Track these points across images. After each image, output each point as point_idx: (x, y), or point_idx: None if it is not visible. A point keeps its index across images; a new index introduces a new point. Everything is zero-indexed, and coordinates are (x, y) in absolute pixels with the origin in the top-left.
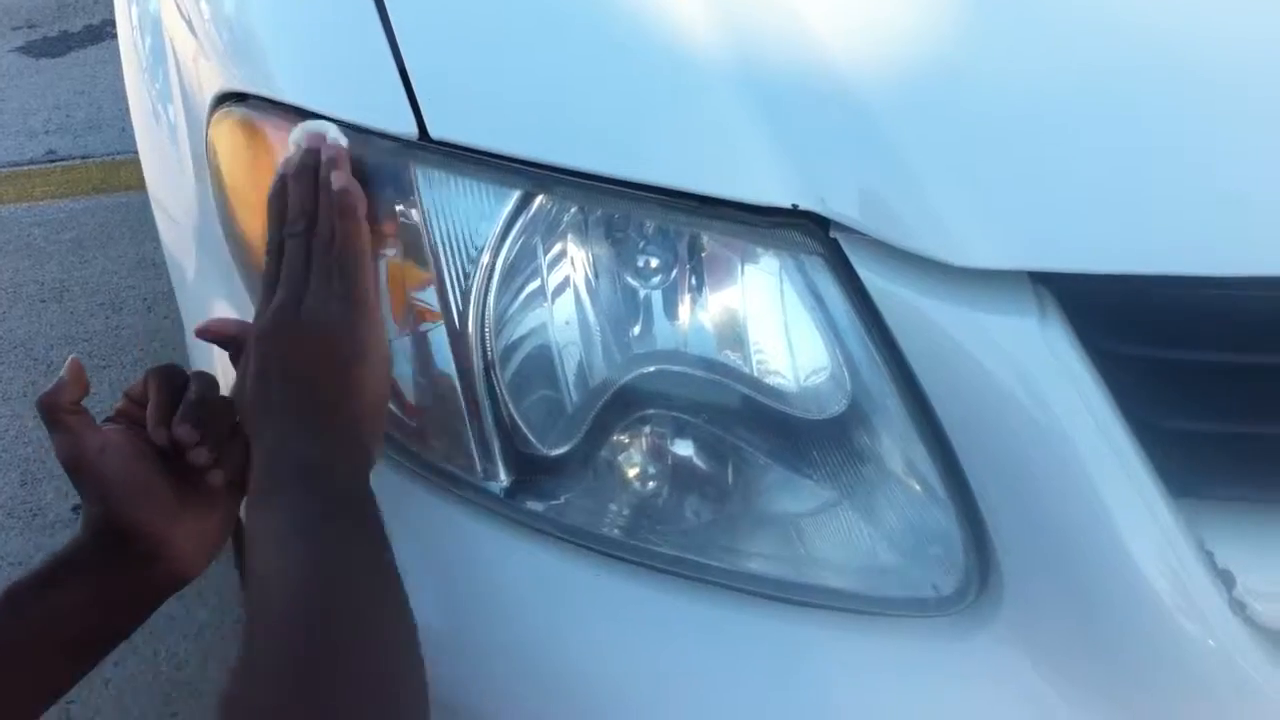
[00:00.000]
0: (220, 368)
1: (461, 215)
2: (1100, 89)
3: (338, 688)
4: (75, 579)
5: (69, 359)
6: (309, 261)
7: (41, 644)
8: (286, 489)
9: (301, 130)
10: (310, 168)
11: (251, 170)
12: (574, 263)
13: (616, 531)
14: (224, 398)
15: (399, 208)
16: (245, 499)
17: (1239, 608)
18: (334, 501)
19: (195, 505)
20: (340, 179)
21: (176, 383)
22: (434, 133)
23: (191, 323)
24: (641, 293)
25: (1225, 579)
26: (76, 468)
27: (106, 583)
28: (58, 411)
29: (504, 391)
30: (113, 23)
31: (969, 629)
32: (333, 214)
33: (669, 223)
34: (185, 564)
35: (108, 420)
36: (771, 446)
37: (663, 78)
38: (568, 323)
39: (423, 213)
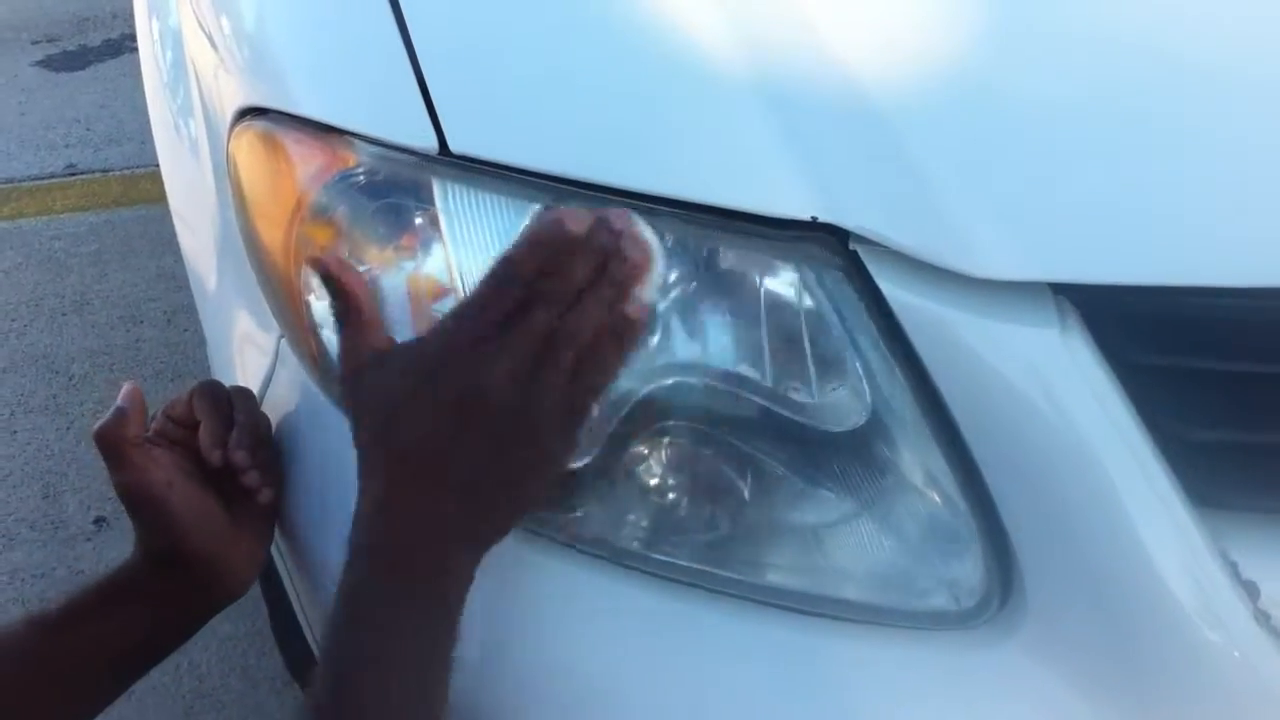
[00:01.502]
0: (247, 379)
1: (482, 229)
2: (1119, 99)
3: None
4: (131, 600)
5: (127, 387)
6: (548, 345)
7: (91, 661)
8: (387, 589)
9: (623, 215)
10: (601, 251)
11: (272, 183)
12: None
13: (635, 543)
14: (263, 413)
15: (419, 221)
16: (349, 555)
17: (1263, 618)
18: (436, 607)
19: (245, 525)
20: (639, 311)
21: (222, 401)
22: (454, 147)
23: (214, 335)
24: (660, 305)
25: (1250, 590)
26: (142, 503)
27: (161, 604)
28: (121, 445)
29: None
30: (131, 37)
31: (992, 641)
32: (610, 327)
33: (688, 235)
34: (236, 583)
35: (146, 440)
36: (790, 458)
37: (682, 92)
38: None
39: (443, 227)
